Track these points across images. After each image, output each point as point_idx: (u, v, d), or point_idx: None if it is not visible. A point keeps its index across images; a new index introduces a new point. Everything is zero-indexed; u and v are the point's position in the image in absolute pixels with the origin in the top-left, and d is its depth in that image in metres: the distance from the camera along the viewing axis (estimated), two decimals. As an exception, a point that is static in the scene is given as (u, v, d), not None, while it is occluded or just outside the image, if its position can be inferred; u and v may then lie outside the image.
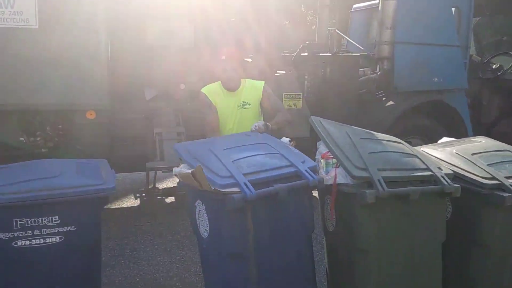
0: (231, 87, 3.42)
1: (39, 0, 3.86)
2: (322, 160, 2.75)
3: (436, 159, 2.92)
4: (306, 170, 2.47)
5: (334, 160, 2.68)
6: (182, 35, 5.45)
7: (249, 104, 3.46)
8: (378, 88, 5.49)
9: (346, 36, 6.70)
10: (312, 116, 2.94)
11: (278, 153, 2.60)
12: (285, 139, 2.99)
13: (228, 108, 3.44)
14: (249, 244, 2.33)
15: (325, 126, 2.84)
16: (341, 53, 5.48)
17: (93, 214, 2.59)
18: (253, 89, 3.49)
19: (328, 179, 2.67)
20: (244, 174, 2.30)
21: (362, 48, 5.92)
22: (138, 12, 4.99)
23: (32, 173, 2.56)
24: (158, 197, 5.50)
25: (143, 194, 5.60)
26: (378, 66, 5.52)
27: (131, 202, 5.47)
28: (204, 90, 3.49)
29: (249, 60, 4.87)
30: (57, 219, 2.46)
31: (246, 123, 3.39)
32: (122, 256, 3.98)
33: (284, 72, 4.98)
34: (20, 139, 4.22)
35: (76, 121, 4.30)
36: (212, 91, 3.47)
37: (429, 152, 3.07)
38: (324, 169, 2.73)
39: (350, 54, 5.53)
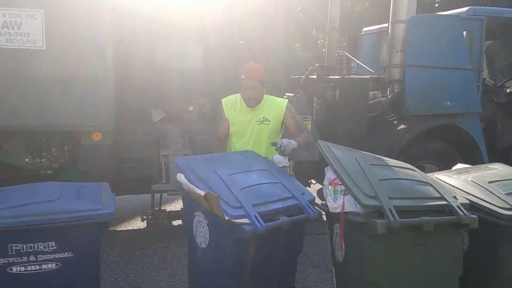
0: (250, 105, 3.38)
1: (46, 21, 3.85)
2: (329, 186, 2.65)
3: (451, 187, 2.81)
4: (307, 204, 2.59)
5: (343, 187, 2.57)
6: (191, 57, 5.46)
7: (269, 120, 3.40)
8: (389, 111, 5.39)
9: (356, 59, 6.67)
10: (319, 141, 2.85)
11: (279, 183, 2.71)
12: (280, 158, 3.09)
13: (246, 122, 3.41)
14: (247, 265, 2.48)
15: (333, 151, 2.75)
16: (350, 76, 5.40)
17: (91, 240, 2.50)
18: (274, 106, 3.43)
19: (336, 207, 2.56)
20: (253, 205, 2.42)
21: (372, 71, 5.85)
22: (146, 34, 5.01)
23: (30, 197, 2.49)
24: (165, 220, 5.38)
25: (150, 217, 5.50)
26: (388, 89, 5.44)
27: (138, 224, 5.37)
28: (223, 100, 3.50)
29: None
30: (54, 245, 2.39)
31: (263, 139, 3.38)
32: (125, 281, 3.86)
33: (292, 94, 4.91)
34: (25, 160, 4.17)
35: (82, 143, 4.25)
36: (230, 103, 3.45)
37: (443, 180, 2.96)
38: (332, 196, 2.62)
39: (359, 77, 5.46)
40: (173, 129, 4.54)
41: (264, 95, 3.45)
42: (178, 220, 5.42)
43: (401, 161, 4.94)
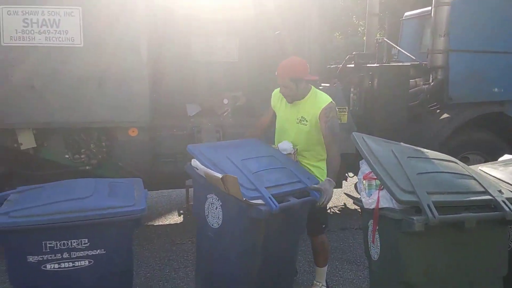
0: (288, 102, 3.26)
1: (83, 19, 3.90)
2: (364, 181, 2.53)
3: (496, 180, 2.62)
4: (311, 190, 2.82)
5: (378, 182, 2.45)
6: (226, 50, 5.43)
7: (306, 120, 3.20)
8: (431, 100, 5.15)
9: (397, 45, 6.41)
10: (354, 133, 2.73)
11: (287, 168, 2.92)
12: (288, 145, 3.18)
13: (287, 119, 3.31)
14: (259, 244, 2.69)
15: (368, 143, 2.62)
16: (389, 64, 5.18)
17: (123, 236, 2.52)
18: (313, 105, 3.17)
19: (371, 202, 2.45)
20: (266, 188, 2.62)
21: (414, 58, 5.60)
22: (181, 28, 5.02)
23: (64, 194, 2.53)
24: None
25: (185, 211, 5.55)
26: (431, 76, 5.19)
27: (174, 219, 5.43)
28: (274, 91, 3.43)
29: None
30: (86, 242, 2.42)
31: (303, 139, 3.22)
32: (160, 276, 3.90)
33: (328, 85, 4.77)
34: (65, 156, 4.27)
35: (118, 139, 4.31)
36: (278, 95, 3.36)
37: (488, 172, 2.77)
38: (366, 191, 2.51)
39: (399, 64, 5.23)
40: (207, 123, 4.52)
41: (311, 91, 3.24)
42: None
43: (444, 152, 4.72)
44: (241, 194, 2.51)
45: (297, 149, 3.19)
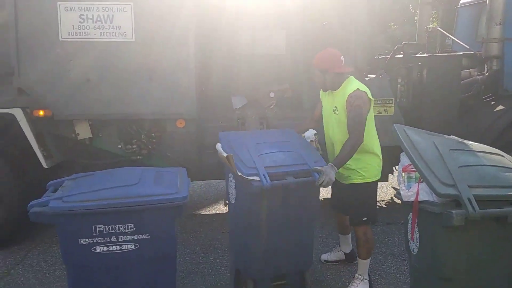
0: (323, 90, 3.48)
1: (135, 15, 4.07)
2: (403, 173, 2.50)
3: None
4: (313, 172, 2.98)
5: (417, 175, 2.41)
6: (274, 43, 5.45)
7: (338, 110, 3.29)
8: (485, 91, 4.92)
9: (452, 34, 6.16)
10: (395, 124, 2.69)
11: (296, 152, 3.12)
12: (311, 132, 3.43)
13: (327, 110, 3.46)
14: (262, 218, 2.98)
15: (409, 135, 2.58)
16: (440, 53, 5.00)
17: (166, 222, 2.63)
18: (342, 94, 3.24)
19: (410, 195, 2.41)
20: (266, 167, 2.91)
21: (468, 47, 5.37)
22: (229, 23, 5.08)
23: (113, 181, 2.68)
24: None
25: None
26: (486, 66, 4.96)
27: (221, 208, 5.57)
28: None
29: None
30: (132, 226, 2.55)
31: (337, 129, 3.32)
32: (205, 263, 4.04)
33: (374, 76, 4.69)
34: (118, 146, 4.50)
35: (167, 130, 4.48)
36: None
37: (540, 166, 2.62)
38: (406, 184, 2.47)
39: (450, 54, 5.03)
40: (252, 115, 4.58)
41: (346, 80, 3.28)
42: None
43: (499, 146, 4.53)
44: (236, 170, 2.89)
45: (317, 137, 3.43)
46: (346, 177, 3.35)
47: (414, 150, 2.43)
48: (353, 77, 3.33)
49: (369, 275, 3.51)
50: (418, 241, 2.44)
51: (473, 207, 2.11)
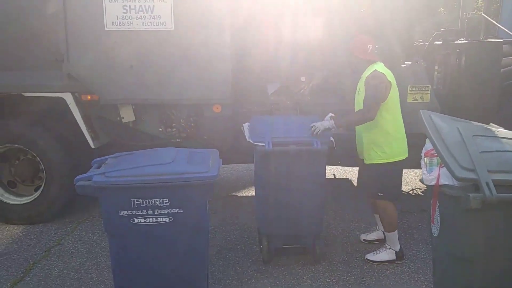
0: None
1: (174, 5, 4.26)
2: (425, 158, 2.55)
3: None
4: (316, 141, 3.53)
5: (439, 159, 2.45)
6: (311, 30, 5.49)
7: (360, 91, 3.58)
8: (528, 79, 4.79)
9: (497, 21, 5.98)
10: (421, 110, 2.74)
11: (305, 129, 3.64)
12: (328, 115, 3.75)
13: (356, 92, 3.73)
14: (270, 178, 3.62)
15: (435, 120, 2.62)
16: (480, 40, 4.89)
17: (198, 198, 2.82)
18: (364, 76, 3.56)
19: (431, 179, 2.48)
20: (272, 137, 3.53)
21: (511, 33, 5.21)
22: (264, 11, 5.15)
23: (150, 160, 2.90)
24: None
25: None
26: (529, 53, 4.82)
27: (257, 191, 5.74)
28: None
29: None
30: (167, 201, 2.76)
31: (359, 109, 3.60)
32: (238, 240, 4.24)
33: (410, 63, 4.66)
34: (159, 129, 4.75)
35: (204, 114, 4.67)
36: None
37: None
38: (427, 168, 2.53)
39: (489, 40, 4.91)
40: (286, 101, 4.69)
41: (371, 65, 3.53)
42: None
43: (540, 135, 4.41)
44: (248, 137, 3.63)
45: (330, 116, 3.73)
46: (366, 156, 3.63)
47: (437, 135, 2.48)
48: (379, 63, 3.50)
49: (401, 250, 3.72)
50: (439, 223, 2.50)
51: (490, 191, 2.15)
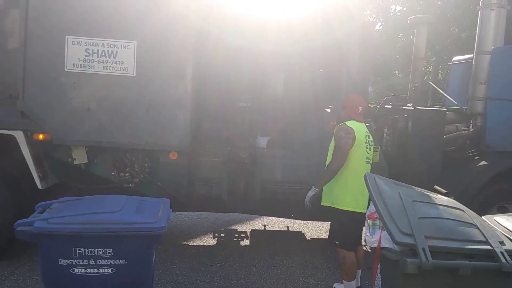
0: None
1: (138, 51, 4.33)
2: (369, 220, 2.65)
3: (506, 231, 2.63)
4: None
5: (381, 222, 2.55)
6: (271, 85, 5.65)
7: (332, 143, 3.91)
8: (470, 146, 5.11)
9: (444, 90, 6.41)
10: (366, 173, 2.87)
11: None
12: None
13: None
14: None
15: (379, 184, 2.75)
16: (425, 107, 5.24)
17: (144, 250, 2.78)
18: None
19: (373, 241, 2.56)
20: None
21: (456, 103, 5.59)
22: (226, 60, 5.22)
23: (98, 207, 2.86)
24: (234, 239, 5.63)
25: (222, 235, 5.79)
26: (471, 122, 5.17)
27: (209, 241, 5.66)
28: None
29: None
30: (111, 251, 2.70)
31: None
32: (185, 293, 4.13)
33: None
34: (112, 173, 4.68)
35: (160, 160, 4.65)
36: None
37: (502, 223, 2.78)
38: (370, 230, 2.62)
39: (434, 108, 5.26)
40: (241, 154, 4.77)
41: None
42: (246, 241, 5.63)
43: (480, 200, 4.65)
44: None
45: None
46: (322, 197, 3.88)
47: (380, 199, 2.59)
48: (354, 120, 3.80)
49: None
50: (380, 286, 2.56)
51: (426, 257, 2.24)
